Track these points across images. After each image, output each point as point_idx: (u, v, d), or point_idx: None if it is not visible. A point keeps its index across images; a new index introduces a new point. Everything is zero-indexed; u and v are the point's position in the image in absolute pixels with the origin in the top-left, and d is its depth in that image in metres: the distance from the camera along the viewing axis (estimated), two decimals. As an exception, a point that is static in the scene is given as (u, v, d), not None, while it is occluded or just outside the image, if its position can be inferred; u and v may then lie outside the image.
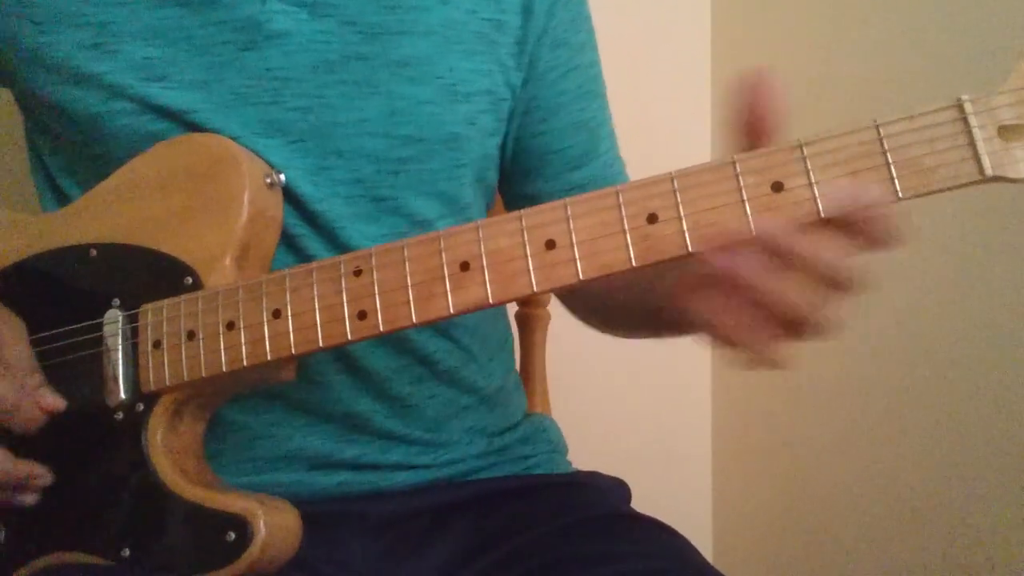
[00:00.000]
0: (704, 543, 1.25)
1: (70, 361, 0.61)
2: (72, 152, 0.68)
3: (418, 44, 0.65)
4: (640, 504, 0.73)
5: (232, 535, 0.55)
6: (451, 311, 0.52)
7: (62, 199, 0.69)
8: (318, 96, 0.64)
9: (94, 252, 0.63)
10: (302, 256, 0.65)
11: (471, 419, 0.73)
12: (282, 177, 0.63)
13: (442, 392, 0.71)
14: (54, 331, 0.62)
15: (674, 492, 1.30)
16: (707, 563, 0.63)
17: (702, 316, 0.47)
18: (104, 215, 0.64)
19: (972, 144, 0.44)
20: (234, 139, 0.63)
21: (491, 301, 0.52)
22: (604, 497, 0.73)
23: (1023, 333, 0.92)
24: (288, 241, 0.65)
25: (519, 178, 0.75)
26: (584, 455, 0.82)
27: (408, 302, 0.53)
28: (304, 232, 0.65)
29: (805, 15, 1.20)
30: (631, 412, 1.28)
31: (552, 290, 0.51)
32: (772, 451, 1.29)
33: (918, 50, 1.02)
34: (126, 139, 0.64)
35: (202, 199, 0.61)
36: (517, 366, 0.87)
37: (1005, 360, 0.94)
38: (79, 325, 0.62)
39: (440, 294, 0.52)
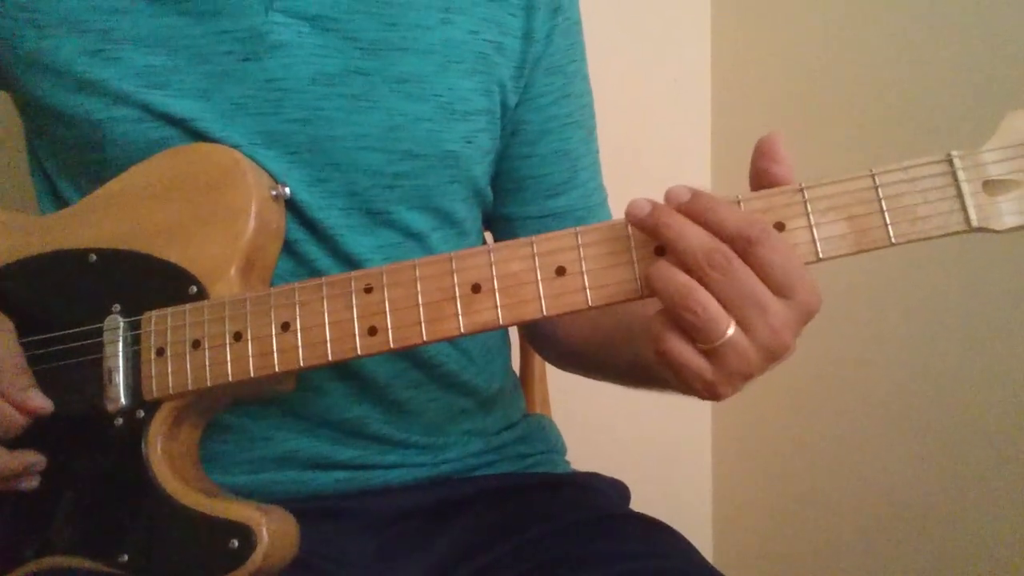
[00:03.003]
0: (704, 543, 1.25)
1: (69, 366, 0.61)
2: (71, 156, 0.67)
3: (418, 62, 0.67)
4: (640, 504, 0.74)
5: (235, 543, 0.56)
6: (462, 331, 0.54)
7: (60, 202, 0.68)
8: (317, 108, 0.65)
9: (94, 257, 0.63)
10: (301, 262, 0.66)
11: (469, 422, 0.74)
12: (287, 190, 0.64)
13: (441, 396, 0.72)
14: (52, 335, 0.62)
15: (674, 492, 1.31)
16: (707, 563, 0.64)
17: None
18: (104, 220, 0.64)
19: (960, 197, 0.48)
20: (235, 146, 0.63)
21: (501, 323, 0.54)
22: (603, 497, 0.74)
23: (1022, 333, 0.93)
24: (287, 247, 0.66)
25: (496, 198, 0.77)
26: (583, 455, 0.83)
27: (419, 321, 0.55)
28: (302, 237, 0.66)
29: (805, 16, 1.21)
30: (631, 412, 1.28)
31: (562, 315, 0.53)
32: (772, 451, 1.30)
33: (917, 50, 1.04)
34: (126, 146, 0.64)
35: (207, 209, 0.62)
36: (516, 367, 0.88)
37: (1004, 360, 0.95)
38: (78, 330, 0.62)
39: (451, 315, 0.54)
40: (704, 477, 1.39)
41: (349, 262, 0.67)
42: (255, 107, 0.64)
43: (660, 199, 0.52)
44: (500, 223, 0.78)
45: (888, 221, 0.48)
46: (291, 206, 0.65)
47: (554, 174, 0.76)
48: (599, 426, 1.16)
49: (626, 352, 0.67)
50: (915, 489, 1.07)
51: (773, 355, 0.48)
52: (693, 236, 0.47)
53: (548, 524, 0.67)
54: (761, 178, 0.51)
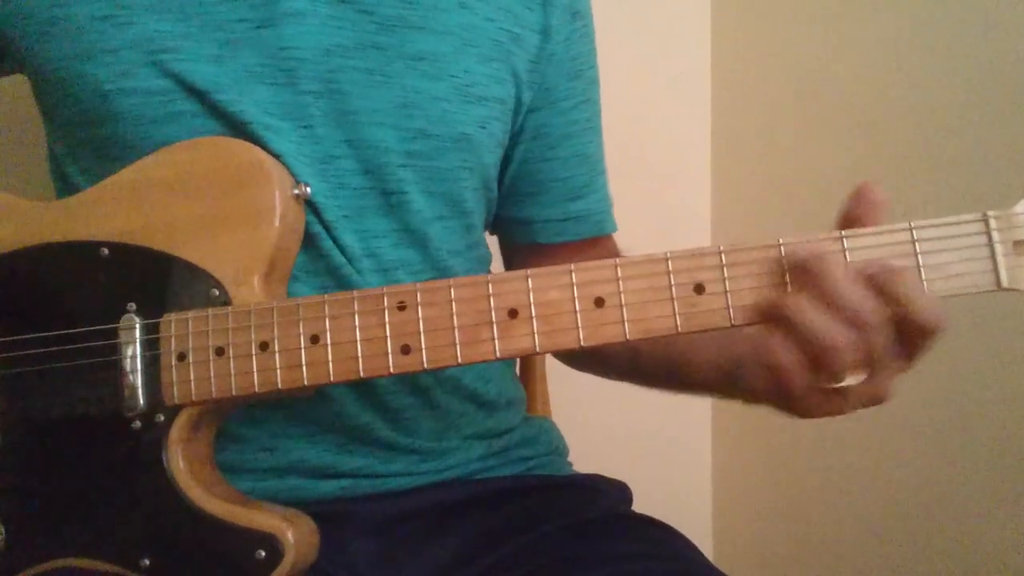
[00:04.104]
0: (704, 543, 1.23)
1: (81, 366, 0.60)
2: (79, 135, 0.65)
3: (434, 41, 0.66)
4: (640, 505, 0.75)
5: (263, 553, 0.56)
6: (497, 356, 0.54)
7: (70, 188, 0.66)
8: (331, 80, 0.64)
9: (105, 251, 0.61)
10: (315, 256, 0.65)
11: (471, 427, 0.75)
12: (308, 189, 0.63)
13: (444, 401, 0.72)
14: (61, 332, 0.60)
15: (674, 492, 1.32)
16: (708, 563, 0.66)
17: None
18: (115, 212, 0.62)
19: (993, 258, 0.50)
20: (248, 121, 0.62)
21: (538, 350, 0.54)
22: (605, 498, 0.75)
23: (1021, 331, 0.94)
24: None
25: (515, 202, 0.77)
26: (584, 456, 0.84)
27: (454, 343, 0.55)
28: (318, 232, 0.65)
29: (805, 16, 1.21)
30: (631, 412, 1.29)
31: (599, 347, 0.54)
32: (772, 451, 1.31)
33: (918, 49, 1.05)
34: (134, 120, 0.62)
35: (229, 208, 0.60)
36: (517, 369, 0.89)
37: (1005, 359, 0.96)
38: (91, 328, 0.60)
39: (487, 339, 0.54)
40: (704, 477, 1.41)
41: (353, 256, 0.66)
42: (269, 76, 0.63)
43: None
44: (518, 227, 0.78)
45: (924, 277, 0.50)
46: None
47: (576, 177, 0.76)
48: (599, 426, 1.17)
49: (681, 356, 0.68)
50: (915, 488, 1.08)
51: (875, 402, 0.51)
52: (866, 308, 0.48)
53: (550, 525, 0.69)
54: (856, 221, 0.52)
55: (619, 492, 0.78)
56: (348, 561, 0.67)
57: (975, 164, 0.95)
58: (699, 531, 1.32)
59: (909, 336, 0.49)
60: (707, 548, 1.33)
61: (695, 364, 0.65)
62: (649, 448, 1.34)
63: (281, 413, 0.67)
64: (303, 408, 0.67)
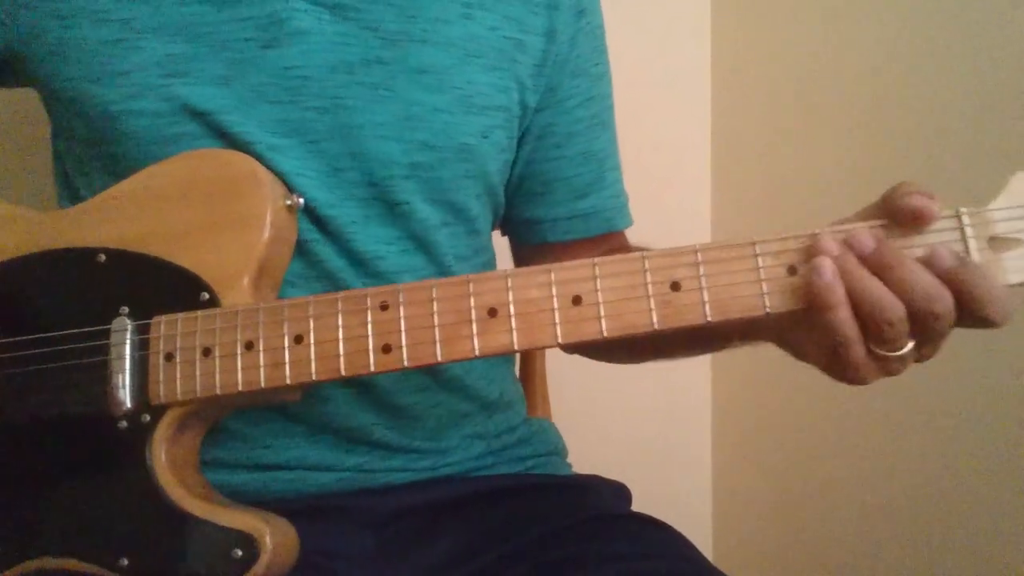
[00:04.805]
0: (704, 543, 1.23)
1: (72, 366, 0.61)
2: (86, 152, 0.67)
3: (437, 54, 0.68)
4: (640, 504, 0.75)
5: (239, 552, 0.56)
6: (476, 353, 0.55)
7: (76, 200, 0.68)
8: (335, 97, 0.65)
9: (102, 257, 0.63)
10: (312, 263, 0.67)
11: (471, 426, 0.75)
12: (301, 200, 0.64)
13: (445, 401, 0.72)
14: (56, 334, 0.62)
15: (674, 492, 1.31)
16: (708, 562, 0.66)
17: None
18: (114, 220, 0.64)
19: (967, 253, 0.50)
20: (252, 141, 0.64)
21: (516, 348, 0.55)
22: (603, 498, 0.75)
23: (1021, 330, 0.95)
24: (297, 247, 0.66)
25: (522, 202, 0.78)
26: (583, 456, 0.83)
27: (434, 341, 0.55)
28: (314, 238, 0.66)
29: (805, 16, 1.22)
30: (631, 414, 1.28)
31: (576, 344, 0.54)
32: (772, 451, 1.30)
33: (917, 50, 1.05)
34: (140, 141, 0.64)
35: (222, 216, 0.62)
36: (517, 370, 0.88)
37: (1003, 358, 0.95)
38: (84, 330, 0.61)
39: (466, 337, 0.55)
40: (704, 477, 1.39)
41: (361, 261, 0.67)
42: (274, 95, 0.65)
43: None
44: (526, 227, 0.79)
45: (898, 272, 0.50)
46: (304, 205, 0.65)
47: (582, 175, 0.77)
48: (599, 427, 1.15)
49: None
50: (915, 489, 1.07)
51: (924, 359, 0.53)
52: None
53: (548, 525, 0.68)
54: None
55: (618, 492, 0.77)
56: (343, 555, 0.67)
57: (975, 164, 0.94)
58: (699, 531, 1.30)
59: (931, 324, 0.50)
60: (707, 548, 1.30)
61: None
62: (649, 448, 1.32)
63: (281, 414, 0.68)
64: (303, 409, 0.67)
